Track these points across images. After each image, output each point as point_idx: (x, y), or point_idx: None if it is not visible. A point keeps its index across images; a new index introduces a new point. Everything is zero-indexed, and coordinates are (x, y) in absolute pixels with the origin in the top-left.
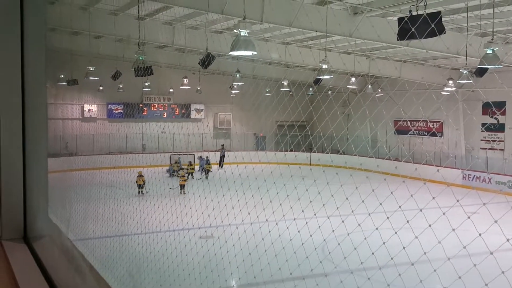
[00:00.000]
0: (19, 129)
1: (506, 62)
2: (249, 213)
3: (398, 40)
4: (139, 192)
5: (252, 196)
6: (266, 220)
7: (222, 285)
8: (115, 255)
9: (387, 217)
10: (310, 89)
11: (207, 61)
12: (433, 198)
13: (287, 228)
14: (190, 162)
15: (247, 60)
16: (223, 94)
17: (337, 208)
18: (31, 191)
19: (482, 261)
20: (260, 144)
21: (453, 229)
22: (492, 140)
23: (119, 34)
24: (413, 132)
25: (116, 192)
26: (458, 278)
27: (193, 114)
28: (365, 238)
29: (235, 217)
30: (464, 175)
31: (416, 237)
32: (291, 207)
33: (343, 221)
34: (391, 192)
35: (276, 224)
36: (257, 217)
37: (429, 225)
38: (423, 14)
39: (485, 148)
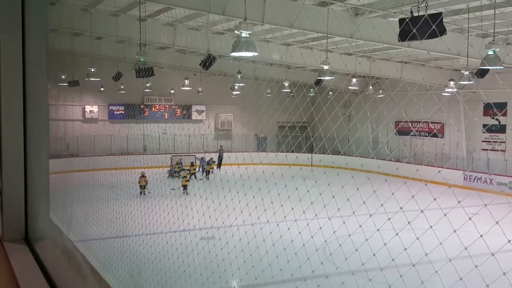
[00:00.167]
0: (20, 130)
1: (507, 63)
2: (250, 214)
3: (399, 41)
4: (141, 192)
5: (253, 197)
6: (267, 221)
7: (223, 286)
8: (116, 256)
9: (389, 218)
10: (311, 90)
11: (208, 62)
12: (435, 199)
13: (288, 229)
14: (192, 163)
15: (248, 61)
16: (224, 95)
17: (338, 209)
18: (33, 192)
19: (483, 262)
20: (261, 145)
21: (455, 230)
22: (494, 141)
23: (121, 35)
24: (414, 133)
25: (117, 193)
26: (460, 279)
27: (194, 115)
28: (367, 239)
29: (236, 218)
30: (466, 176)
31: (418, 238)
32: (292, 208)
33: (344, 222)
34: (393, 193)
35: (277, 225)
36: (258, 218)
37: (431, 226)
38: (424, 15)
39: (487, 149)
